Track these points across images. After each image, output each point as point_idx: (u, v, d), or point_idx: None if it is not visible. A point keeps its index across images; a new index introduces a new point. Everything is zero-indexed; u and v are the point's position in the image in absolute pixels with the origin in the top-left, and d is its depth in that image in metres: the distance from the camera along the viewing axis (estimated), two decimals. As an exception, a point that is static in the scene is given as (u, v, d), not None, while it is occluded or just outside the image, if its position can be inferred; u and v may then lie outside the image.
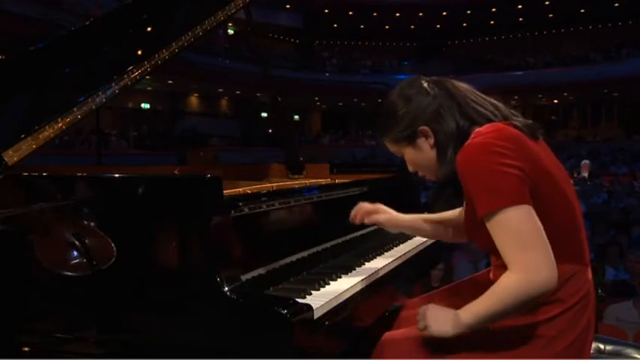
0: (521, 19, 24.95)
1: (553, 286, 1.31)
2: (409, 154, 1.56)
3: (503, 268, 1.43)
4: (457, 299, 1.71)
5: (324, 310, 1.38)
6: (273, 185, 2.15)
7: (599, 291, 3.28)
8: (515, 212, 1.31)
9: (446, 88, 1.52)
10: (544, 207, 1.37)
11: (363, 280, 1.66)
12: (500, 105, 1.51)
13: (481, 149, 1.36)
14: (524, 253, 1.30)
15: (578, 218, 1.45)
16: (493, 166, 1.33)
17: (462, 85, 1.54)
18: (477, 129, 1.44)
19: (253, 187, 1.93)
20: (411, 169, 1.61)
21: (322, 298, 1.43)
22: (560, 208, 1.42)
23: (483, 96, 1.53)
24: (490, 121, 1.46)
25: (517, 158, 1.34)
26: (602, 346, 1.88)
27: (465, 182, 1.38)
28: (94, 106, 1.71)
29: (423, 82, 1.54)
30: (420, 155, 1.54)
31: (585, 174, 10.83)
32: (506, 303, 1.33)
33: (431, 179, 1.61)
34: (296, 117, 27.42)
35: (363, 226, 1.90)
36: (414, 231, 1.94)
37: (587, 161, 11.23)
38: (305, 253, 1.77)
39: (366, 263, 1.83)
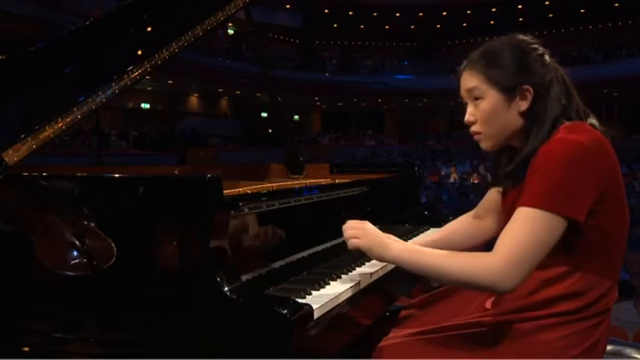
0: (521, 19, 24.92)
1: (501, 292, 1.32)
2: (490, 102, 1.40)
3: None
4: (457, 300, 1.72)
5: (325, 310, 1.38)
6: (273, 185, 2.15)
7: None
8: (549, 220, 1.27)
9: (561, 72, 1.43)
10: (609, 217, 1.34)
11: (363, 279, 1.66)
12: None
13: (577, 148, 1.28)
14: (522, 257, 1.26)
15: (626, 235, 1.40)
16: (574, 169, 1.27)
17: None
18: (566, 123, 1.37)
19: (253, 187, 1.93)
20: (470, 118, 1.45)
21: (322, 298, 1.43)
22: (620, 222, 1.38)
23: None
24: (579, 119, 1.41)
25: (600, 167, 1.30)
26: (602, 346, 1.87)
27: (538, 169, 1.30)
28: (94, 106, 1.70)
29: (541, 49, 1.41)
30: (502, 112, 1.39)
31: None
32: (460, 269, 1.31)
33: (484, 143, 1.47)
34: (296, 117, 27.42)
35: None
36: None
37: None
38: (305, 253, 1.77)
39: (367, 263, 1.83)
